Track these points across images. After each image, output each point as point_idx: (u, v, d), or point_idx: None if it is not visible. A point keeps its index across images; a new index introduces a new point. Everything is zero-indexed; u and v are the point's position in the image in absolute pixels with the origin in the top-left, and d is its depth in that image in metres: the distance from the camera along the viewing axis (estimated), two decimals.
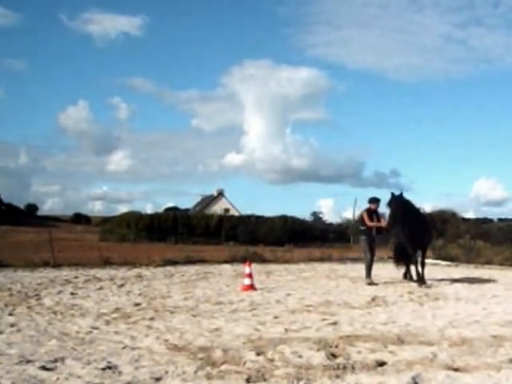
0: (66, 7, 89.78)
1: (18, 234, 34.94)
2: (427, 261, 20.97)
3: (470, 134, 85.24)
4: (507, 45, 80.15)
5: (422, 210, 12.28)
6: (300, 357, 4.77)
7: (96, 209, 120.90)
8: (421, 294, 9.91)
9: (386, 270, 14.35)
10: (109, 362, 4.57)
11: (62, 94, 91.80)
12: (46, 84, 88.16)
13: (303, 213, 67.78)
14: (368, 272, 11.55)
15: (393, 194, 11.20)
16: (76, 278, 12.56)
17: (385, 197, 11.53)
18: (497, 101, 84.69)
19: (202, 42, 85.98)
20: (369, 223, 11.48)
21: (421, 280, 11.22)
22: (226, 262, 18.33)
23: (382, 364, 4.53)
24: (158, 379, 4.12)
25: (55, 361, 4.62)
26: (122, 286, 11.05)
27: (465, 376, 4.18)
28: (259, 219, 37.54)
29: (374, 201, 11.72)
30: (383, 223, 11.56)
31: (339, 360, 4.68)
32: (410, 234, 11.24)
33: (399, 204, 11.01)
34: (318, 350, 5.01)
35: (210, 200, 57.66)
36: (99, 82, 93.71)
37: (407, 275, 12.26)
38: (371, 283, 11.34)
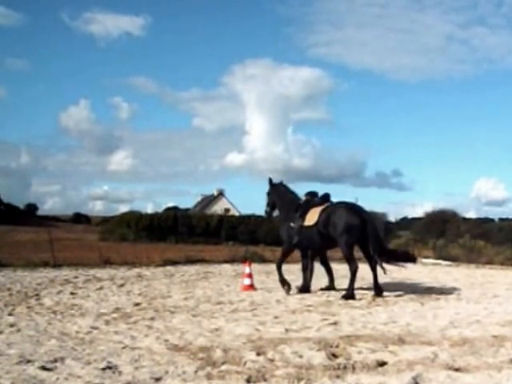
0: (68, 7, 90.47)
1: (17, 233, 34.89)
2: (426, 260, 20.53)
3: (471, 133, 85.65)
4: (510, 45, 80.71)
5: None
6: (300, 357, 4.76)
7: (96, 209, 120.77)
8: (421, 293, 9.90)
9: None
10: (109, 362, 4.55)
11: (64, 93, 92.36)
12: (47, 84, 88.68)
13: None
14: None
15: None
16: (76, 277, 12.55)
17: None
18: (499, 101, 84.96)
19: (203, 41, 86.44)
20: None
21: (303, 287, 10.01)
22: (225, 261, 18.33)
23: (382, 364, 4.52)
24: (158, 379, 4.11)
25: (55, 361, 4.61)
26: (122, 286, 11.04)
27: (466, 376, 4.17)
28: (259, 219, 37.51)
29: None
30: None
31: (340, 360, 4.67)
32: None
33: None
34: (319, 350, 5.00)
35: (210, 200, 57.64)
36: (100, 82, 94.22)
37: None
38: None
